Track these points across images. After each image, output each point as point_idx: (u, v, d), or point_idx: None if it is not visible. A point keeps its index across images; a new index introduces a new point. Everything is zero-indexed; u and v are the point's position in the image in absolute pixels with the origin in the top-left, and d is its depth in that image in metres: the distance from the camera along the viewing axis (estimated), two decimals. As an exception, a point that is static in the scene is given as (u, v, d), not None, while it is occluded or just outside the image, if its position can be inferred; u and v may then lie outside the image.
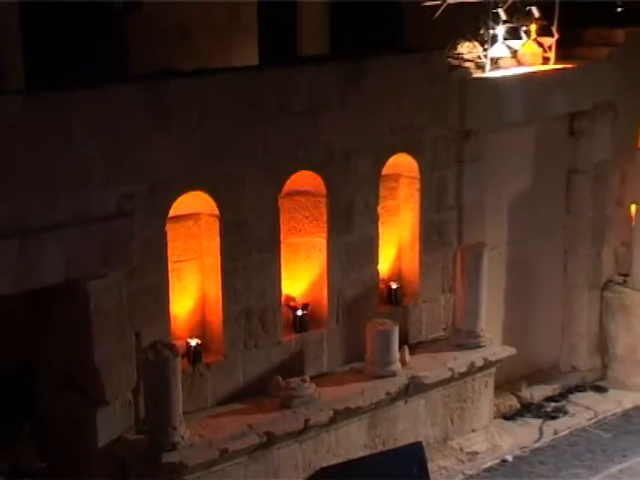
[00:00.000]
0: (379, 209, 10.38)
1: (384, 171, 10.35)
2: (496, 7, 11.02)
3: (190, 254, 9.49)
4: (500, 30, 11.12)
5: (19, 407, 9.21)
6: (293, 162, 9.68)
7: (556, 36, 11.47)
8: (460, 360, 10.56)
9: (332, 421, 9.53)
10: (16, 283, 7.96)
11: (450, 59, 10.85)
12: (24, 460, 9.05)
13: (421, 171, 10.63)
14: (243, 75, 9.49)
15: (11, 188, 7.84)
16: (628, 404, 11.89)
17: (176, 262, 9.32)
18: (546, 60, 11.59)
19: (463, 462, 10.54)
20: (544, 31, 11.51)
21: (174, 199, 8.99)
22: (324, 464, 9.36)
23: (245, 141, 9.28)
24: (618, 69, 11.91)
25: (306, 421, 9.30)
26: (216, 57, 9.84)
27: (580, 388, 12.25)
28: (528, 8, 11.29)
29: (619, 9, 13.04)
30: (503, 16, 11.09)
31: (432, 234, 10.84)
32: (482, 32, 11.08)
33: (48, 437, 9.17)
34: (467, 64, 10.97)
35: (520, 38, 11.38)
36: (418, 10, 10.79)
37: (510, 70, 11.29)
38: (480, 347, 10.76)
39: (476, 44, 11.10)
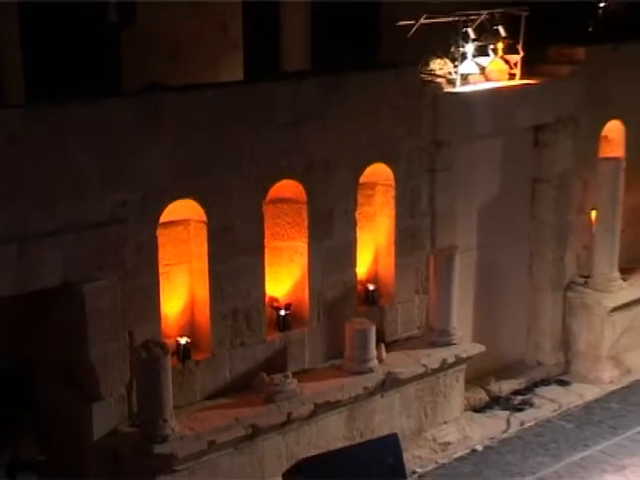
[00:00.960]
0: (357, 215, 10.41)
1: (362, 180, 10.39)
2: (466, 26, 11.13)
3: (180, 258, 9.50)
4: (469, 48, 11.19)
5: (20, 403, 9.21)
6: (276, 171, 9.70)
7: (521, 54, 11.56)
8: (433, 357, 10.60)
9: (313, 414, 9.56)
10: (17, 285, 7.99)
11: (423, 75, 10.93)
12: (24, 453, 9.05)
13: (396, 180, 10.67)
14: (230, 90, 9.53)
15: (12, 196, 7.86)
16: (589, 397, 11.96)
17: (166, 265, 9.34)
18: (512, 76, 11.68)
19: (436, 452, 10.59)
20: (510, 49, 11.60)
21: (165, 206, 9.01)
22: (305, 455, 9.36)
23: (231, 152, 9.32)
24: (579, 85, 12.00)
25: (289, 414, 9.33)
26: (205, 72, 9.88)
27: (545, 382, 12.29)
28: (495, 28, 11.38)
29: (590, 29, 13.18)
30: (472, 35, 11.17)
31: (406, 239, 10.90)
32: (453, 50, 11.15)
33: (47, 431, 9.17)
34: (439, 80, 11.03)
35: (488, 55, 11.46)
36: (393, 29, 10.88)
37: (479, 85, 11.37)
38: (452, 345, 10.80)
39: (447, 61, 11.16)
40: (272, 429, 9.29)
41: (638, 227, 13.05)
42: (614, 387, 12.18)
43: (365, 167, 10.38)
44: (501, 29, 11.39)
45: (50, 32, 9.46)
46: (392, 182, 10.72)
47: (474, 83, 11.35)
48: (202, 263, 9.47)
